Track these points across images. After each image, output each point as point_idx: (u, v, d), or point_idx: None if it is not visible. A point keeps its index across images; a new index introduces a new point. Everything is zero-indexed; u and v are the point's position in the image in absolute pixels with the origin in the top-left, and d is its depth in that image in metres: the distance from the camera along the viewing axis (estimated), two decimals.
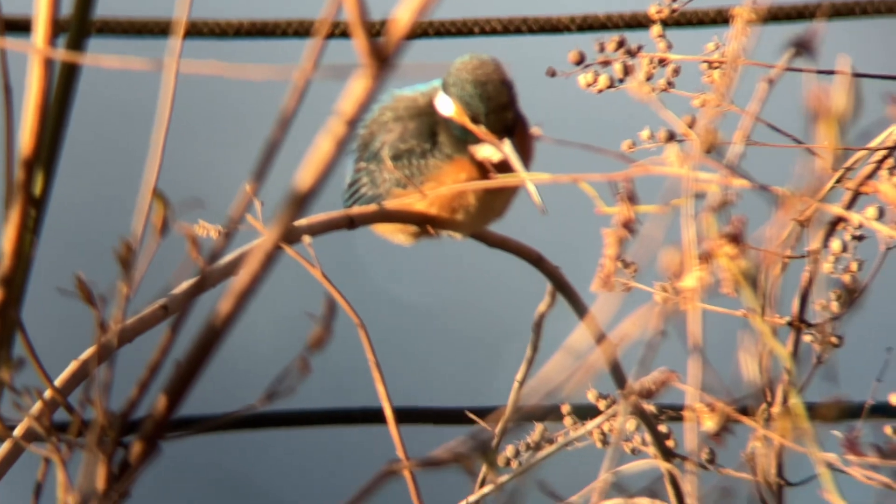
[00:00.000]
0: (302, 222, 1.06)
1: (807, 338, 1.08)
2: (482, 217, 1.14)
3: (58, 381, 0.89)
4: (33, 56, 0.69)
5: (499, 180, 1.09)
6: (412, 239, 1.15)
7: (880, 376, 1.12)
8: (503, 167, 1.10)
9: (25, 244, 0.69)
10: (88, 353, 0.89)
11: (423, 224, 1.13)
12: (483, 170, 1.11)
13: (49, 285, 0.74)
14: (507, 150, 1.10)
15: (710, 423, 0.76)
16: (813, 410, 0.81)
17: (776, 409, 0.98)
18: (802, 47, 0.76)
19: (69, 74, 0.70)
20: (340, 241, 1.13)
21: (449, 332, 1.96)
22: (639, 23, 1.81)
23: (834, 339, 1.08)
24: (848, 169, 1.04)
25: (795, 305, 1.07)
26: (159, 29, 1.86)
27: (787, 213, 0.77)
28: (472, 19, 1.88)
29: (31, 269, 0.69)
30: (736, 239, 0.73)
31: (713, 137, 0.83)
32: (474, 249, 1.17)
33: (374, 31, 0.60)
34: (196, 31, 1.87)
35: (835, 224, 1.07)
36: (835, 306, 1.08)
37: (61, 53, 0.70)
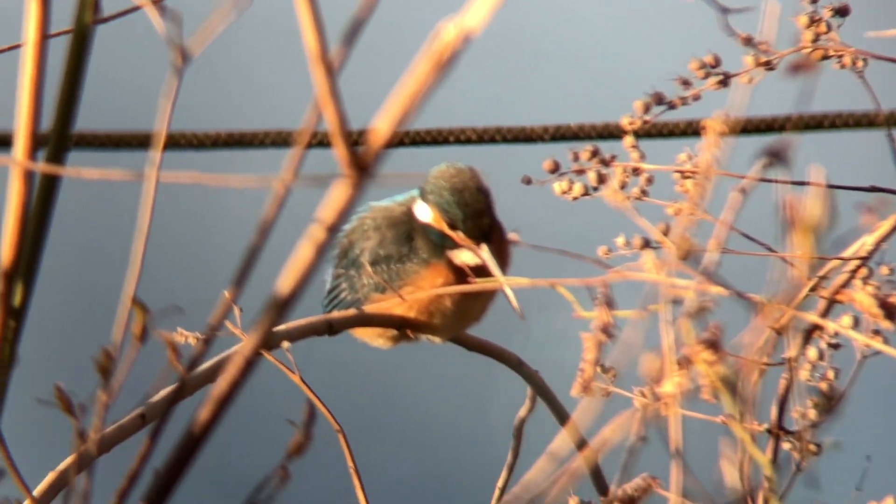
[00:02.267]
0: (281, 328, 1.07)
1: (786, 445, 1.08)
2: (460, 321, 1.14)
3: (36, 492, 0.88)
4: (14, 168, 0.70)
5: (477, 284, 1.10)
6: (391, 343, 1.15)
7: (860, 485, 1.12)
8: (481, 272, 1.11)
9: (4, 355, 0.69)
10: (67, 462, 0.88)
11: (402, 328, 1.14)
12: (461, 274, 1.12)
13: (28, 395, 0.73)
14: (484, 254, 1.11)
15: None
16: None
17: None
18: (775, 157, 0.78)
19: (49, 186, 0.71)
20: (320, 346, 1.12)
21: (429, 437, 1.95)
22: (610, 133, 1.84)
23: (813, 447, 1.08)
24: (822, 278, 1.05)
25: (774, 412, 1.07)
26: (137, 142, 1.88)
27: (763, 320, 0.78)
28: (448, 129, 1.91)
29: (10, 379, 0.69)
30: (714, 345, 0.74)
31: (688, 245, 0.84)
32: (454, 353, 1.17)
33: (353, 140, 0.61)
34: (174, 142, 1.89)
35: (811, 332, 1.07)
36: (813, 414, 1.08)
37: (41, 166, 0.70)
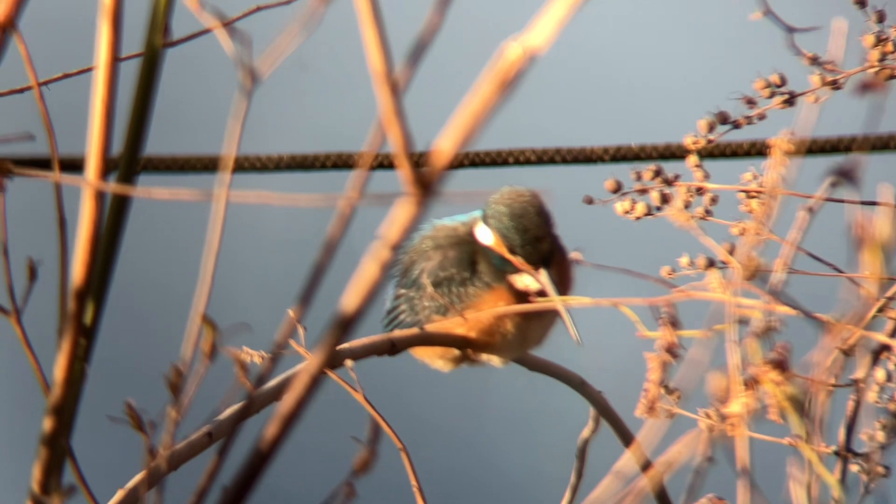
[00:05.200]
0: (345, 346, 1.07)
1: (854, 467, 1.06)
2: (521, 343, 1.14)
3: None
4: (86, 189, 0.71)
5: (537, 305, 1.10)
6: (452, 364, 1.15)
7: None
8: (543, 296, 1.11)
9: (76, 372, 0.70)
10: (137, 479, 0.89)
11: (464, 348, 1.14)
12: (522, 299, 1.12)
13: (99, 413, 0.74)
14: (543, 279, 1.11)
15: None
16: None
17: None
18: (843, 177, 0.77)
19: (120, 207, 0.72)
20: (382, 365, 1.13)
21: (492, 457, 1.94)
22: (672, 154, 1.83)
23: (881, 469, 1.06)
24: (891, 298, 1.03)
25: (842, 434, 1.06)
26: (203, 165, 1.90)
27: (831, 340, 0.77)
28: (507, 150, 1.91)
29: (82, 396, 0.70)
30: (781, 365, 0.73)
31: (755, 264, 0.83)
32: (516, 374, 1.16)
33: (416, 161, 0.61)
34: (238, 165, 1.91)
35: (879, 353, 1.06)
36: (881, 435, 1.07)
37: (113, 186, 0.71)
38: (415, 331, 1.13)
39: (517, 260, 1.12)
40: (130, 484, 0.90)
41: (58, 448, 0.69)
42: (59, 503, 0.66)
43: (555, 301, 1.10)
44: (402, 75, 0.60)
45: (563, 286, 1.12)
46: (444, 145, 0.60)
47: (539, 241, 1.11)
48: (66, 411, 0.69)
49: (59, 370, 0.70)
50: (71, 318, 0.70)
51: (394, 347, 1.11)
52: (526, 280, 1.12)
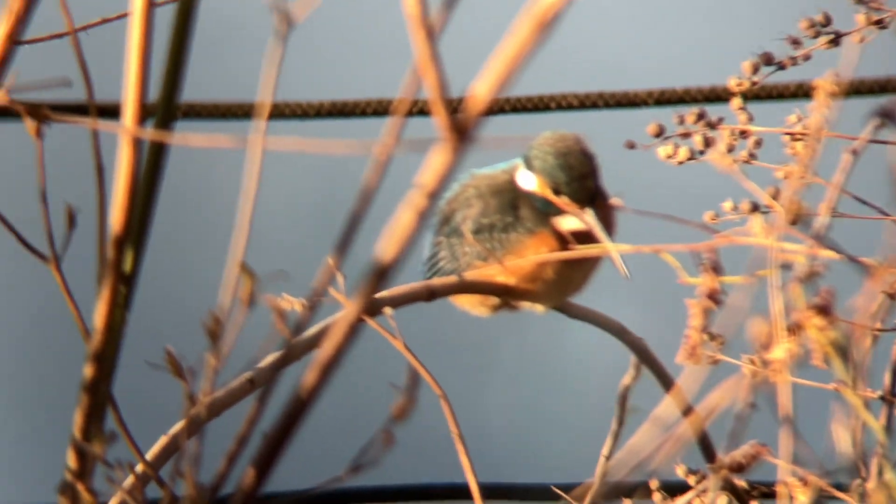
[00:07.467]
0: (383, 294, 1.07)
1: None
2: (563, 290, 1.13)
3: (149, 455, 0.90)
4: (123, 136, 0.71)
5: (581, 250, 1.09)
6: (492, 311, 1.15)
7: None
8: (586, 240, 1.10)
9: (116, 320, 0.70)
10: (178, 426, 0.90)
11: (504, 296, 1.13)
12: (565, 244, 1.11)
13: (139, 360, 0.75)
14: (589, 219, 1.10)
15: (803, 498, 0.74)
16: None
17: (870, 484, 0.95)
18: (887, 118, 0.76)
19: (157, 154, 0.72)
20: (421, 312, 1.13)
21: (531, 403, 1.95)
22: (717, 97, 1.80)
23: None
24: None
25: (887, 379, 1.05)
26: (242, 112, 1.90)
27: (876, 284, 0.76)
28: (549, 95, 1.89)
29: (122, 344, 0.70)
30: (825, 310, 0.72)
31: (798, 208, 0.82)
32: (556, 321, 1.16)
33: (453, 108, 0.61)
34: (277, 112, 1.90)
35: None
36: None
37: (150, 133, 0.71)
38: (454, 279, 1.13)
39: (562, 200, 1.10)
40: (173, 430, 0.91)
41: (99, 395, 0.69)
42: (100, 450, 0.67)
43: (602, 240, 1.08)
44: (438, 19, 0.59)
45: (607, 229, 1.11)
46: (480, 90, 0.60)
47: (585, 179, 1.10)
48: (106, 358, 0.70)
49: (99, 317, 0.70)
50: (110, 265, 0.70)
51: (432, 295, 1.11)
52: (570, 222, 1.11)
